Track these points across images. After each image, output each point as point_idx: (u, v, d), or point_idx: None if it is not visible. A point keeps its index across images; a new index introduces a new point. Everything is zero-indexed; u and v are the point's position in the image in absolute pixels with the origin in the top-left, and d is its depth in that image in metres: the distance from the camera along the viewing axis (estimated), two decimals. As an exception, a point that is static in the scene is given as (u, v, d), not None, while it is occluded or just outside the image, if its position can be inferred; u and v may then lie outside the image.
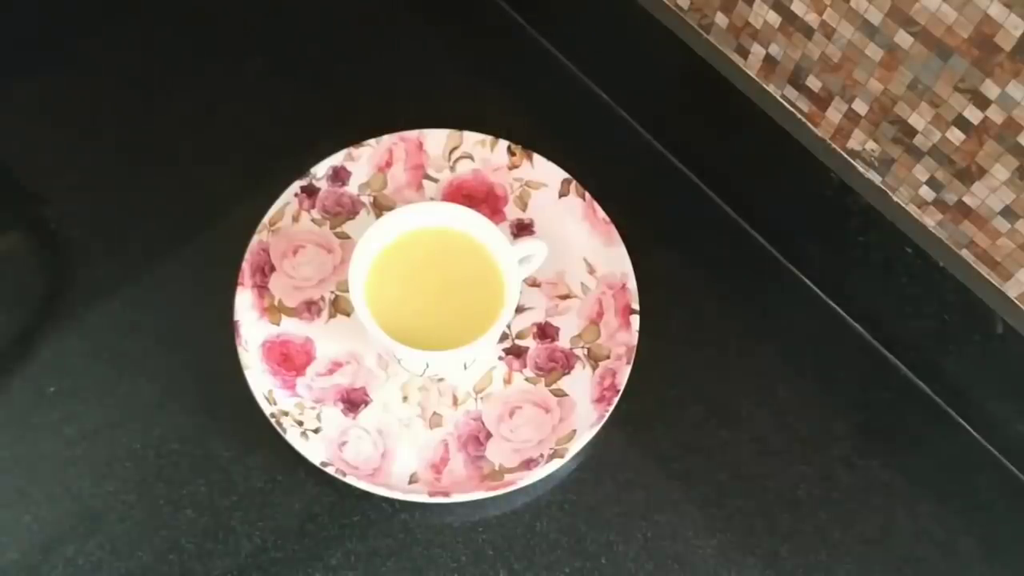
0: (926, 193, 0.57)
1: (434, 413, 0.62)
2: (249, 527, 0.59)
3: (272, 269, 0.64)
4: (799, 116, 0.60)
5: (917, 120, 0.54)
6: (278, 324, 0.63)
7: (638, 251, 0.64)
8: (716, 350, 0.65)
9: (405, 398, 0.62)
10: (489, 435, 0.61)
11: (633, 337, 0.62)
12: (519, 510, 0.61)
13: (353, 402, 0.62)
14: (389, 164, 0.67)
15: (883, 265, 0.61)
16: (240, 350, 0.61)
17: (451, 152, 0.67)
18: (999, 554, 0.61)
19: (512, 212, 0.67)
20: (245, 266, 0.63)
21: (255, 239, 0.64)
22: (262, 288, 0.63)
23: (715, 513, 0.61)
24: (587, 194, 0.65)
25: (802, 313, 0.67)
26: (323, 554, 0.59)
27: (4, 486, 0.59)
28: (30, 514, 0.59)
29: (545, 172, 0.66)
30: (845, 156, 0.59)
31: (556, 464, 0.59)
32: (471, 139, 0.67)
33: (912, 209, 0.58)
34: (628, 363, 0.61)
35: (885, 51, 0.52)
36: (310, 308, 0.64)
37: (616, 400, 0.61)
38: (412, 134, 0.67)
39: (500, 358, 0.63)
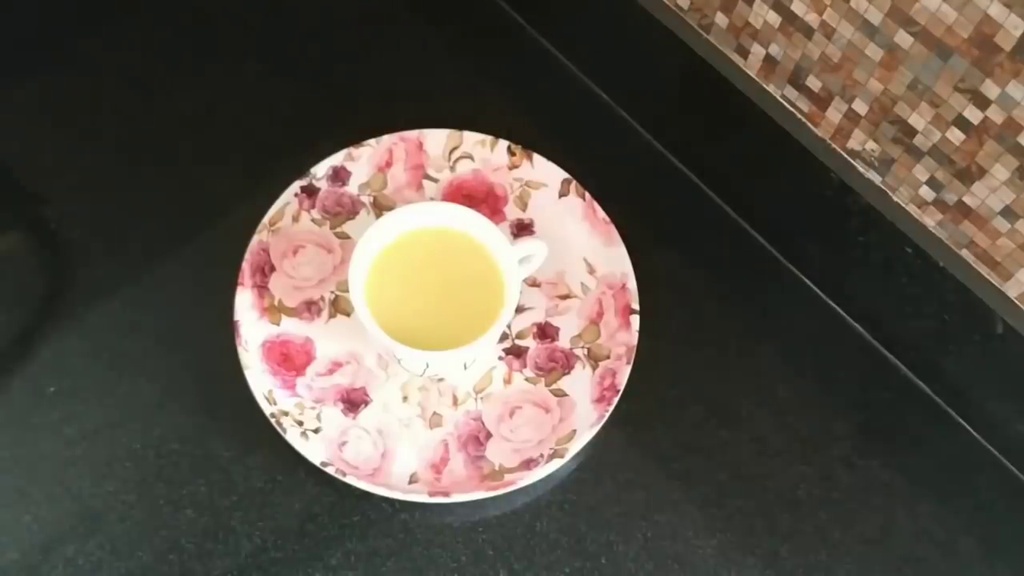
0: (926, 193, 0.57)
1: (434, 413, 0.62)
2: (249, 527, 0.59)
3: (272, 269, 0.64)
4: (799, 116, 0.60)
5: (917, 120, 0.54)
6: (278, 324, 0.63)
7: (638, 251, 0.64)
8: (716, 350, 0.65)
9: (405, 398, 0.62)
10: (489, 435, 0.61)
11: (633, 337, 0.62)
12: (519, 510, 0.61)
13: (353, 402, 0.62)
14: (389, 164, 0.67)
15: (883, 265, 0.61)
16: (240, 350, 0.61)
17: (451, 152, 0.67)
18: (999, 554, 0.61)
19: (512, 212, 0.67)
20: (245, 266, 0.63)
21: (255, 239, 0.64)
22: (262, 288, 0.63)
23: (715, 513, 0.61)
24: (587, 194, 0.65)
25: (802, 313, 0.67)
26: (323, 554, 0.59)
27: (4, 486, 0.59)
28: (30, 514, 0.59)
29: (545, 172, 0.66)
30: (845, 156, 0.59)
31: (556, 464, 0.59)
32: (471, 139, 0.67)
33: (912, 209, 0.58)
34: (628, 363, 0.61)
35: (885, 51, 0.52)
36: (310, 308, 0.64)
37: (616, 400, 0.61)
38: (412, 134, 0.67)
39: (500, 358, 0.63)
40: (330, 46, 0.73)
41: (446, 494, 0.58)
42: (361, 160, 0.66)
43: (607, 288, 0.64)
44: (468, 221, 0.60)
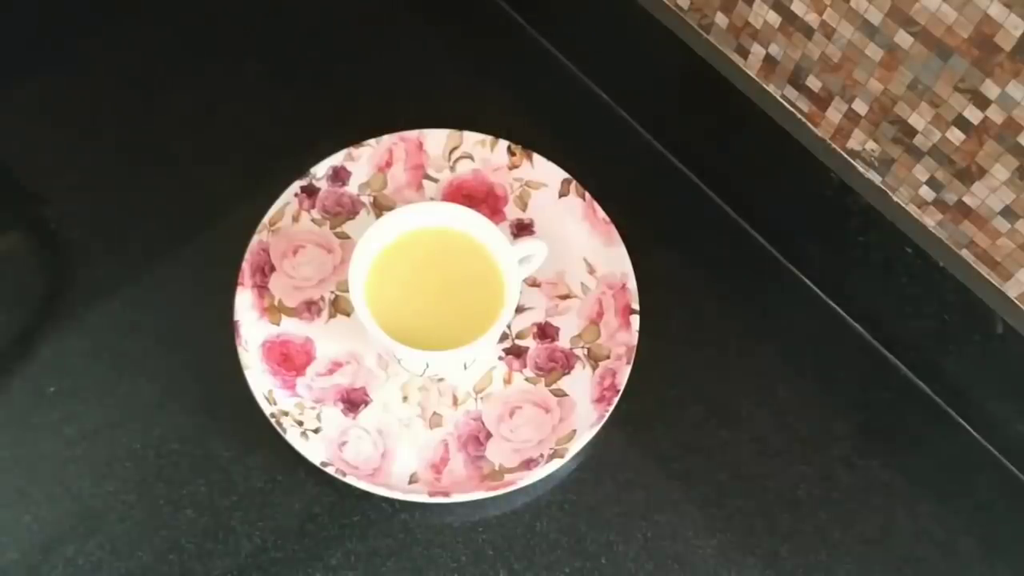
0: (926, 193, 0.57)
1: (434, 413, 0.62)
2: (249, 527, 0.59)
3: (272, 269, 0.64)
4: (799, 116, 0.60)
5: (917, 120, 0.54)
6: (278, 324, 0.63)
7: (638, 251, 0.64)
8: (716, 350, 0.65)
9: (405, 398, 0.62)
10: (489, 435, 0.61)
11: (633, 337, 0.62)
12: (519, 510, 0.61)
13: (353, 402, 0.62)
14: (389, 164, 0.67)
15: (883, 265, 0.61)
16: (240, 350, 0.61)
17: (451, 152, 0.67)
18: (999, 554, 0.61)
19: (512, 212, 0.67)
20: (245, 266, 0.63)
21: (255, 239, 0.64)
22: (262, 288, 0.63)
23: (715, 513, 0.61)
24: (587, 194, 0.65)
25: (802, 313, 0.67)
26: (323, 554, 0.59)
27: (4, 486, 0.59)
28: (30, 514, 0.59)
29: (545, 172, 0.66)
30: (845, 156, 0.59)
31: (556, 464, 0.59)
32: (471, 139, 0.67)
33: (912, 209, 0.58)
34: (628, 363, 0.61)
35: (885, 51, 0.52)
36: (310, 308, 0.64)
37: (616, 400, 0.61)
38: (412, 134, 0.67)
39: (500, 358, 0.63)
40: (330, 46, 0.73)
41: (446, 494, 0.58)
42: (361, 160, 0.66)
43: (607, 288, 0.64)
44: (468, 221, 0.60)
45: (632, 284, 0.63)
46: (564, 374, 0.63)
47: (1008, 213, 0.53)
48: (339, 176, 0.66)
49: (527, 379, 0.63)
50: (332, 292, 0.64)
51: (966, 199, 0.55)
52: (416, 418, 0.62)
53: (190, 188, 0.67)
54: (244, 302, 0.62)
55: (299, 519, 0.60)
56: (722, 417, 0.63)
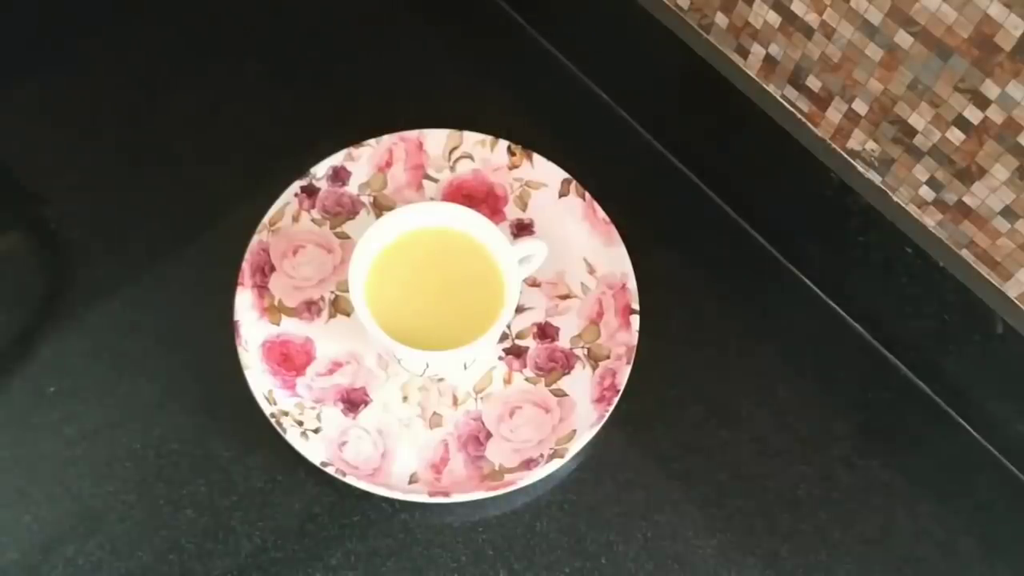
0: (926, 193, 0.57)
1: (434, 413, 0.62)
2: (249, 527, 0.59)
3: (272, 269, 0.64)
4: (799, 116, 0.60)
5: (917, 120, 0.54)
6: (278, 324, 0.63)
7: (638, 251, 0.64)
8: (716, 350, 0.65)
9: (405, 398, 0.62)
10: (489, 435, 0.61)
11: (633, 337, 0.62)
12: (519, 510, 0.61)
13: (353, 402, 0.62)
14: (389, 164, 0.67)
15: (883, 265, 0.61)
16: (240, 350, 0.61)
17: (451, 152, 0.67)
18: (999, 554, 0.61)
19: (512, 212, 0.67)
20: (245, 266, 0.63)
21: (255, 239, 0.64)
22: (262, 288, 0.63)
23: (715, 513, 0.61)
24: (587, 194, 0.65)
25: (802, 313, 0.67)
26: (323, 554, 0.59)
27: (4, 486, 0.59)
28: (30, 514, 0.59)
29: (545, 172, 0.66)
30: (845, 156, 0.59)
31: (556, 464, 0.59)
32: (471, 139, 0.67)
33: (912, 209, 0.58)
34: (628, 363, 0.61)
35: (885, 51, 0.52)
36: (310, 308, 0.64)
37: (616, 400, 0.61)
38: (412, 134, 0.67)
39: (500, 358, 0.63)
40: (330, 46, 0.73)
41: (446, 494, 0.58)
42: (361, 160, 0.66)
43: (607, 288, 0.64)
44: (468, 221, 0.60)
45: (632, 284, 0.63)
46: (564, 374, 0.63)
47: (1008, 213, 0.53)
48: (339, 176, 0.66)
49: (527, 379, 0.63)
50: (332, 292, 0.64)
51: (966, 199, 0.55)
52: (416, 418, 0.62)
53: (190, 188, 0.67)
54: (244, 302, 0.62)
55: (299, 519, 0.60)
56: (722, 417, 0.63)
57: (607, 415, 0.60)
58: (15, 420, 0.61)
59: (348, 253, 0.63)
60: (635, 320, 0.62)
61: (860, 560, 0.60)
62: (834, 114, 0.58)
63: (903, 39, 0.51)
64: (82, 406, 0.61)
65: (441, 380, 0.63)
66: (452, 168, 0.67)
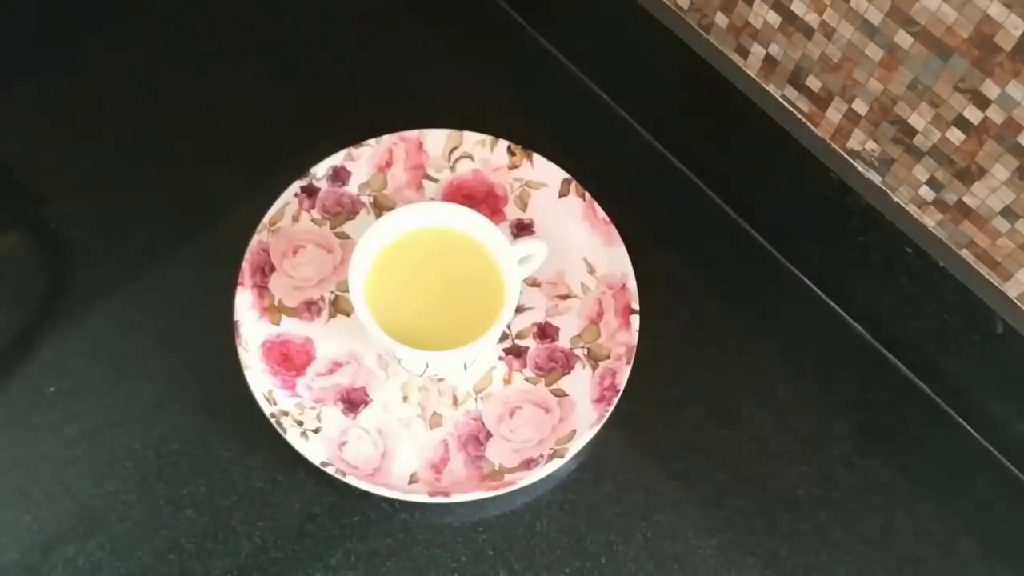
0: (926, 193, 0.57)
1: (434, 413, 0.62)
2: (249, 527, 0.59)
3: (272, 269, 0.64)
4: (799, 116, 0.60)
5: (917, 120, 0.54)
6: (278, 324, 0.63)
7: (638, 251, 0.64)
8: (716, 350, 0.65)
9: (405, 398, 0.62)
10: (489, 435, 0.61)
11: (633, 337, 0.62)
12: (519, 510, 0.61)
13: (353, 402, 0.62)
14: (389, 164, 0.67)
15: (883, 265, 0.61)
16: (240, 350, 0.61)
17: (451, 152, 0.67)
18: (999, 554, 0.61)
19: (512, 212, 0.67)
20: (245, 266, 0.63)
21: (255, 239, 0.64)
22: (262, 288, 0.63)
23: (715, 513, 0.61)
24: (587, 194, 0.65)
25: (802, 313, 0.67)
26: (323, 554, 0.59)
27: (4, 486, 0.59)
28: (30, 514, 0.59)
29: (545, 172, 0.66)
30: (845, 156, 0.59)
31: (556, 464, 0.59)
32: (471, 139, 0.67)
33: (912, 209, 0.58)
34: (628, 363, 0.61)
35: (885, 51, 0.52)
36: (310, 308, 0.64)
37: (616, 400, 0.61)
38: (412, 134, 0.67)
39: (500, 358, 0.63)
40: (330, 46, 0.73)
41: (446, 494, 0.58)
42: (361, 160, 0.66)
43: (607, 288, 0.64)
44: (468, 221, 0.60)
45: (632, 284, 0.63)
46: (564, 374, 0.63)
47: (1008, 213, 0.53)
48: (339, 176, 0.66)
49: (527, 379, 0.63)
50: (332, 292, 0.64)
51: (966, 199, 0.55)
52: (416, 418, 0.62)
53: (190, 188, 0.67)
54: (244, 302, 0.62)
55: (299, 519, 0.60)
56: (722, 417, 0.63)
57: (607, 415, 0.60)
58: (15, 420, 0.61)
59: (348, 253, 0.63)
60: (635, 320, 0.62)
61: (860, 560, 0.60)
62: (834, 114, 0.58)
63: (903, 39, 0.51)
64: (82, 406, 0.61)
65: (441, 380, 0.63)
66: (452, 168, 0.67)
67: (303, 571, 0.59)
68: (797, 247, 0.67)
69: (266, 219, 0.64)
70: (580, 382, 0.62)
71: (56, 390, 0.62)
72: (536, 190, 0.66)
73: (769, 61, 0.59)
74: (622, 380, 0.61)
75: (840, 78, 0.56)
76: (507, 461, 0.60)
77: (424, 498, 0.58)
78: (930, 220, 0.58)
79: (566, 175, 0.66)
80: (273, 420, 0.59)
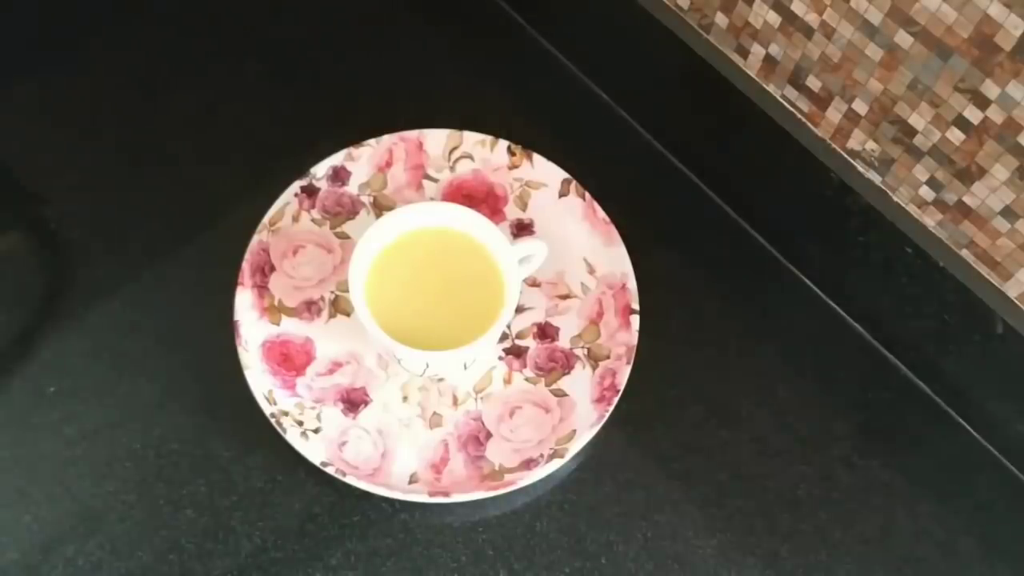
0: (926, 193, 0.57)
1: (434, 413, 0.62)
2: (249, 527, 0.59)
3: (272, 269, 0.64)
4: (799, 116, 0.60)
5: (917, 120, 0.54)
6: (278, 324, 0.63)
7: (638, 251, 0.64)
8: (716, 350, 0.65)
9: (405, 398, 0.62)
10: (489, 435, 0.61)
11: (633, 337, 0.62)
12: (519, 510, 0.61)
13: (353, 402, 0.62)
14: (389, 164, 0.67)
15: (883, 265, 0.61)
16: (240, 350, 0.61)
17: (451, 152, 0.67)
18: (999, 554, 0.61)
19: (512, 212, 0.67)
20: (245, 266, 0.63)
21: (255, 239, 0.64)
22: (262, 288, 0.63)
23: (715, 513, 0.61)
24: (587, 194, 0.65)
25: (802, 313, 0.67)
26: (323, 554, 0.59)
27: (4, 486, 0.59)
28: (30, 514, 0.59)
29: (545, 172, 0.66)
30: (845, 156, 0.59)
31: (556, 464, 0.59)
32: (471, 139, 0.67)
33: (912, 209, 0.58)
34: (628, 363, 0.61)
35: (885, 51, 0.52)
36: (310, 308, 0.64)
37: (616, 400, 0.61)
38: (412, 134, 0.67)
39: (500, 358, 0.63)
40: (330, 46, 0.73)
41: (446, 494, 0.58)
42: (361, 160, 0.66)
43: (607, 288, 0.64)
44: (468, 221, 0.60)
45: (632, 284, 0.63)
46: (564, 374, 0.63)
47: (1008, 213, 0.53)
48: (339, 176, 0.66)
49: (527, 379, 0.63)
50: (332, 292, 0.64)
51: (966, 199, 0.55)
52: (416, 418, 0.62)
53: (190, 188, 0.67)
54: (244, 302, 0.62)
55: (299, 519, 0.60)
56: (722, 417, 0.63)
57: (607, 415, 0.60)
58: (15, 420, 0.61)
59: (348, 253, 0.63)
60: (635, 320, 0.62)
61: (860, 560, 0.60)
62: (834, 114, 0.58)
63: (903, 39, 0.51)
64: (82, 406, 0.61)
65: (441, 380, 0.63)
66: (452, 168, 0.67)
67: (303, 571, 0.59)
68: (797, 247, 0.67)
69: (266, 219, 0.64)
70: (580, 382, 0.62)
71: (56, 390, 0.62)
72: (536, 190, 0.66)
73: (769, 61, 0.59)
74: (622, 380, 0.61)
75: (840, 78, 0.56)
76: (507, 461, 0.60)
77: (424, 498, 0.58)
78: (930, 220, 0.58)
79: (566, 175, 0.66)
80: (273, 420, 0.59)
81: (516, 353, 0.63)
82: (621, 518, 0.61)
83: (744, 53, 0.60)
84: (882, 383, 0.65)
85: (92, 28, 0.72)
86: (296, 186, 0.65)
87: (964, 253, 0.57)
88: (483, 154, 0.67)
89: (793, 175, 0.62)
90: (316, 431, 0.60)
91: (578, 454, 0.60)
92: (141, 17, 0.73)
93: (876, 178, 0.59)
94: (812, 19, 0.54)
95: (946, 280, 0.58)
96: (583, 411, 0.61)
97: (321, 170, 0.66)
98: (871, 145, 0.57)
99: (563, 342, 0.64)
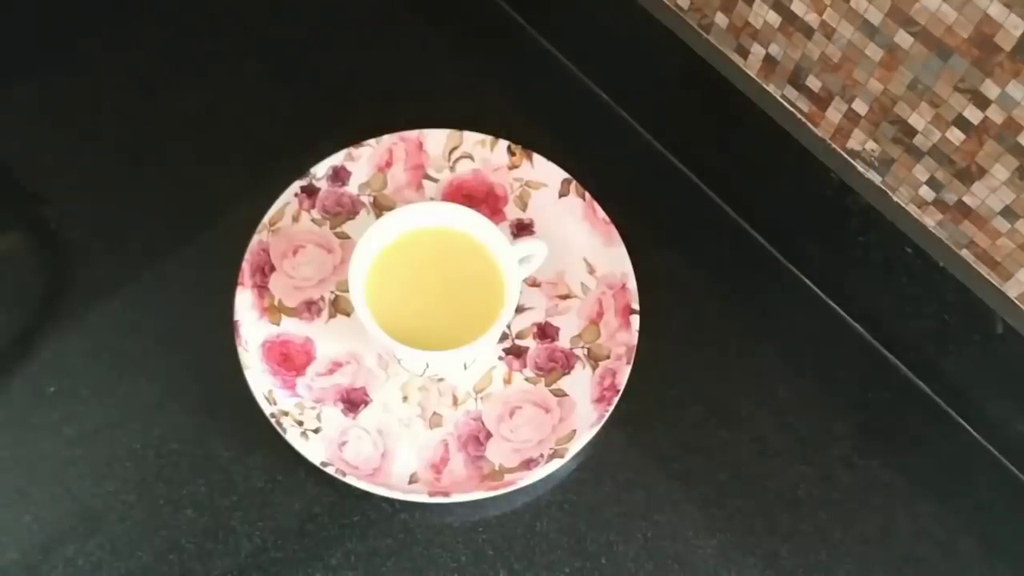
0: (926, 193, 0.57)
1: (434, 413, 0.62)
2: (249, 527, 0.59)
3: (272, 269, 0.64)
4: (799, 116, 0.60)
5: (917, 120, 0.54)
6: (278, 324, 0.63)
7: (638, 251, 0.64)
8: (716, 350, 0.65)
9: (405, 398, 0.62)
10: (489, 435, 0.61)
11: (633, 337, 0.62)
12: (519, 510, 0.61)
13: (353, 402, 0.62)
14: (389, 164, 0.67)
15: (883, 265, 0.61)
16: (240, 350, 0.61)
17: (451, 152, 0.67)
18: (999, 554, 0.61)
19: (512, 212, 0.67)
20: (245, 266, 0.63)
21: (255, 239, 0.64)
22: (262, 288, 0.63)
23: (715, 513, 0.61)
24: (587, 194, 0.65)
25: (802, 313, 0.67)
26: (323, 554, 0.59)
27: (4, 486, 0.59)
28: (30, 514, 0.59)
29: (545, 172, 0.66)
30: (845, 156, 0.59)
31: (556, 464, 0.59)
32: (471, 139, 0.67)
33: (912, 209, 0.58)
34: (628, 363, 0.61)
35: (885, 51, 0.52)
36: (310, 308, 0.64)
37: (616, 400, 0.61)
38: (412, 134, 0.67)
39: (500, 358, 0.63)
40: (330, 46, 0.73)
41: (446, 494, 0.58)
42: (361, 160, 0.66)
43: (607, 288, 0.64)
44: (468, 221, 0.60)
45: (632, 284, 0.63)
46: (564, 374, 0.63)
47: (1008, 213, 0.53)
48: (339, 176, 0.66)
49: (527, 379, 0.63)
50: (332, 292, 0.64)
51: (966, 199, 0.55)
52: (416, 418, 0.62)
53: (190, 188, 0.67)
54: (244, 302, 0.62)
55: (299, 519, 0.60)
56: (722, 417, 0.63)
57: (607, 415, 0.60)
58: (15, 420, 0.61)
59: (348, 253, 0.63)
60: (635, 320, 0.62)
61: (860, 560, 0.60)
62: (834, 114, 0.58)
63: (903, 39, 0.51)
64: (82, 406, 0.61)
65: (441, 380, 0.63)
66: (452, 168, 0.67)
67: (303, 571, 0.59)
68: (797, 247, 0.67)
69: (266, 219, 0.64)
70: (580, 382, 0.62)
71: (56, 390, 0.62)
72: (536, 190, 0.66)
73: (769, 61, 0.59)
74: (622, 380, 0.61)
75: (840, 78, 0.56)
76: (507, 461, 0.60)
77: (424, 498, 0.58)
78: (930, 220, 0.58)
79: (566, 175, 0.66)
80: (273, 420, 0.59)
81: (516, 353, 0.63)
82: (621, 518, 0.61)
83: (744, 53, 0.60)
84: (882, 383, 0.65)
85: (92, 28, 0.72)
86: (296, 186, 0.65)
87: (964, 253, 0.57)
88: (483, 154, 0.67)
89: (793, 175, 0.62)
90: (316, 431, 0.60)
91: (578, 454, 0.60)
92: (141, 17, 0.73)
93: (876, 178, 0.59)
94: (812, 19, 0.54)
95: (946, 280, 0.58)
96: (583, 411, 0.61)
97: (321, 170, 0.66)
98: (871, 145, 0.57)
99: (563, 342, 0.64)
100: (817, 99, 0.58)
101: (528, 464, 0.60)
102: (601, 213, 0.65)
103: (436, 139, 0.67)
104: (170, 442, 0.61)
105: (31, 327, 0.63)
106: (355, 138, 0.66)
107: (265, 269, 0.63)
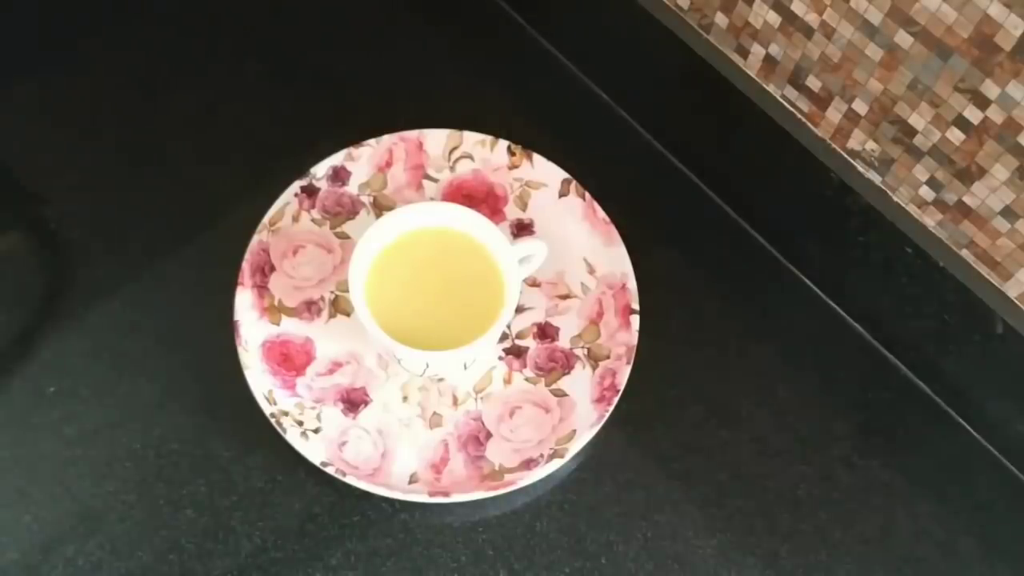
0: (926, 193, 0.57)
1: (434, 413, 0.62)
2: (249, 527, 0.59)
3: (272, 269, 0.64)
4: (799, 116, 0.60)
5: (917, 120, 0.54)
6: (278, 324, 0.63)
7: (638, 251, 0.64)
8: (716, 350, 0.65)
9: (405, 398, 0.62)
10: (489, 435, 0.61)
11: (633, 337, 0.62)
12: (519, 510, 0.61)
13: (353, 402, 0.62)
14: (389, 164, 0.67)
15: (883, 265, 0.61)
16: (240, 350, 0.61)
17: (451, 152, 0.67)
18: (999, 554, 0.61)
19: (512, 212, 0.67)
20: (245, 266, 0.63)
21: (255, 239, 0.64)
22: (262, 288, 0.63)
23: (715, 513, 0.61)
24: (587, 194, 0.65)
25: (802, 313, 0.67)
26: (323, 554, 0.59)
27: (4, 486, 0.59)
28: (30, 514, 0.59)
29: (545, 172, 0.66)
30: (845, 156, 0.59)
31: (556, 464, 0.59)
32: (471, 139, 0.67)
33: (912, 209, 0.58)
34: (628, 363, 0.61)
35: (885, 51, 0.52)
36: (310, 308, 0.64)
37: (616, 400, 0.61)
38: (412, 134, 0.67)
39: (500, 358, 0.63)
40: (330, 46, 0.73)
41: (446, 494, 0.58)
42: (361, 160, 0.66)
43: (607, 288, 0.64)
44: (468, 221, 0.60)
45: (632, 284, 0.63)
46: (564, 374, 0.63)
47: (1008, 213, 0.53)
48: (339, 176, 0.66)
49: (527, 379, 0.63)
50: (332, 292, 0.64)
51: (966, 199, 0.55)
52: (416, 418, 0.62)
53: (190, 188, 0.67)
54: (244, 302, 0.62)
55: (299, 519, 0.60)
56: (722, 417, 0.63)
57: (607, 415, 0.60)
58: (15, 420, 0.61)
59: (348, 253, 0.63)
60: (635, 320, 0.62)
61: (860, 560, 0.60)
62: (834, 114, 0.58)
63: (903, 39, 0.51)
64: (82, 406, 0.61)
65: (441, 380, 0.63)
66: (452, 168, 0.67)
67: (303, 571, 0.59)
68: (797, 247, 0.67)
69: (266, 219, 0.64)
70: (580, 382, 0.62)
71: (56, 390, 0.62)
72: (536, 190, 0.66)
73: (769, 61, 0.59)
74: (622, 380, 0.61)
75: (840, 78, 0.56)
76: (507, 461, 0.60)
77: (424, 498, 0.58)
78: (930, 220, 0.58)
79: (566, 175, 0.66)
80: (273, 420, 0.59)
81: (516, 353, 0.63)
82: (621, 518, 0.61)
83: (744, 53, 0.60)
84: (882, 383, 0.65)
85: (92, 28, 0.72)
86: (296, 186, 0.65)
87: (964, 253, 0.57)
88: (483, 154, 0.67)
89: (793, 175, 0.62)
90: (316, 431, 0.60)
91: (578, 454, 0.60)
92: (141, 17, 0.73)
93: (876, 178, 0.59)
94: (812, 19, 0.54)
95: (946, 280, 0.58)
96: (583, 411, 0.61)
97: (321, 170, 0.66)
98: (871, 145, 0.57)
99: (563, 342, 0.64)
100: (817, 99, 0.58)
101: (528, 464, 0.60)
102: (601, 213, 0.65)
103: (436, 139, 0.67)
104: (170, 442, 0.61)
105: (31, 327, 0.63)
106: (355, 138, 0.66)
107: (265, 269, 0.63)
